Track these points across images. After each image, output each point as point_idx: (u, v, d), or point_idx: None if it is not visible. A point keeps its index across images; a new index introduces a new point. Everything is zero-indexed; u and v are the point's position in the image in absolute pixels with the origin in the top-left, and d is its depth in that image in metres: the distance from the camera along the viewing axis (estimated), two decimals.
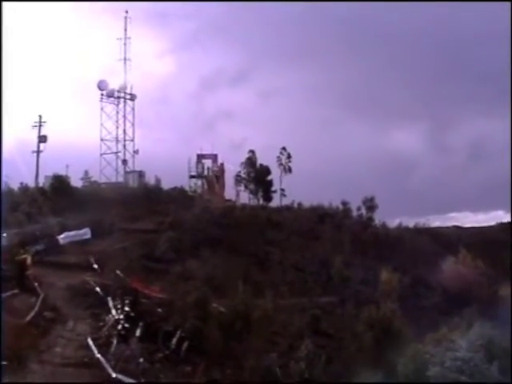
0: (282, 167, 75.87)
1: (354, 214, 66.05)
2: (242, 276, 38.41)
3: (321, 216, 61.16)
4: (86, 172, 73.78)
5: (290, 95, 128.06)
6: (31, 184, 66.89)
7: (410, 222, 65.38)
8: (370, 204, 64.87)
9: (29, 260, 36.21)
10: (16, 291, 31.74)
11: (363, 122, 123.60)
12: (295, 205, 69.42)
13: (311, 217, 60.64)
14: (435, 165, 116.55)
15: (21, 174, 64.30)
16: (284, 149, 76.13)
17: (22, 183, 66.02)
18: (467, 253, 45.76)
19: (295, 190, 71.51)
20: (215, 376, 25.74)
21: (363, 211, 65.50)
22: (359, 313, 32.92)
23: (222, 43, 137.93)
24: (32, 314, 29.38)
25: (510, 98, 66.89)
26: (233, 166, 73.19)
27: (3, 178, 56.54)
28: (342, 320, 35.49)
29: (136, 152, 74.58)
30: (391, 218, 66.41)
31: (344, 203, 66.43)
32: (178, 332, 28.51)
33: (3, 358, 17.77)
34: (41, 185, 67.52)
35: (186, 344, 27.86)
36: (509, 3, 61.78)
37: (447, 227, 70.62)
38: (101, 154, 73.17)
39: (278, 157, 75.82)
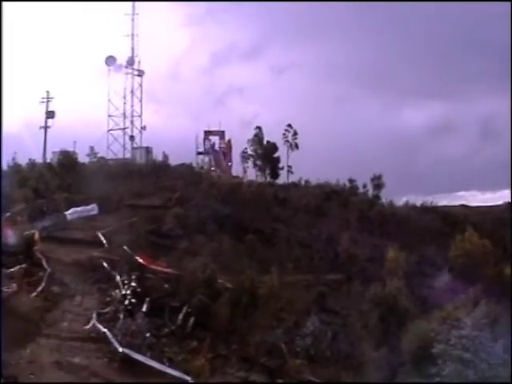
0: (288, 144, 75.76)
1: (361, 191, 65.96)
2: (249, 252, 38.55)
3: (328, 193, 61.07)
4: (93, 148, 73.87)
5: (303, 71, 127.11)
6: (39, 160, 66.96)
7: (417, 201, 65.11)
8: (378, 182, 64.72)
9: (36, 235, 36.37)
10: (24, 266, 31.87)
11: (373, 100, 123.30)
12: (302, 182, 69.34)
13: (318, 194, 60.54)
14: (443, 143, 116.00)
15: (28, 150, 64.41)
16: (290, 126, 75.97)
17: (29, 159, 66.10)
18: (474, 232, 45.64)
19: (302, 167, 71.35)
20: (221, 351, 25.85)
21: (370, 189, 65.45)
22: (365, 290, 32.93)
23: (234, 18, 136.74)
24: (39, 288, 29.56)
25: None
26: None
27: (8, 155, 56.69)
28: (348, 297, 35.58)
29: (143, 128, 74.41)
30: (398, 196, 66.27)
31: (351, 181, 66.30)
32: (185, 307, 28.63)
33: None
34: (48, 161, 67.58)
35: (192, 319, 27.99)
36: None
37: (454, 206, 70.36)
38: (108, 130, 73.06)
39: (284, 134, 75.70)
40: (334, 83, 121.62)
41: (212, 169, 71.46)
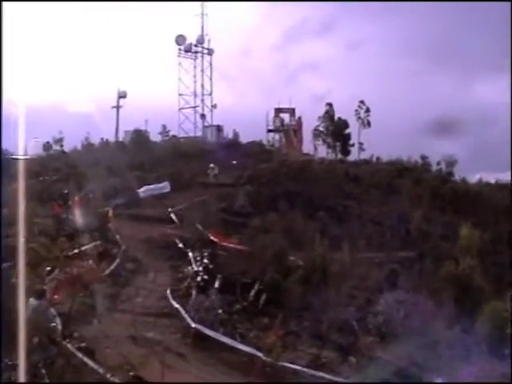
0: (359, 121, 75.08)
1: (433, 168, 64.88)
2: (320, 229, 38.30)
3: (399, 170, 60.26)
4: (165, 127, 74.65)
5: (375, 47, 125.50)
6: (111, 139, 68.09)
7: (491, 178, 63.67)
8: (450, 159, 63.57)
9: (110, 213, 37.04)
10: (98, 243, 32.44)
11: (446, 74, 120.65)
12: (373, 159, 68.69)
13: (390, 171, 59.80)
14: None
15: (101, 130, 65.50)
16: (362, 102, 75.25)
17: (102, 138, 67.33)
18: None
19: (374, 143, 70.60)
20: (293, 328, 25.80)
21: (443, 166, 64.30)
22: (438, 268, 32.41)
23: None
24: (114, 265, 30.06)
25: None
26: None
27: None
28: (420, 275, 35.05)
29: (214, 106, 74.82)
30: (471, 173, 64.85)
31: (423, 157, 65.24)
32: (256, 284, 28.68)
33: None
34: (121, 140, 68.65)
35: (263, 296, 28.03)
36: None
37: None
38: (179, 109, 73.69)
39: (356, 110, 75.02)
40: (407, 58, 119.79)
41: (282, 146, 71.37)
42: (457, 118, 52.70)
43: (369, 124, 74.93)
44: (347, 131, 74.38)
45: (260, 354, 20.76)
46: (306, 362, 22.27)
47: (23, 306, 14.49)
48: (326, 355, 23.28)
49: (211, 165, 50.25)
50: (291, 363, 20.88)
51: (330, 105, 74.87)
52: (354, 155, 73.69)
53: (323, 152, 74.12)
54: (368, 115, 74.92)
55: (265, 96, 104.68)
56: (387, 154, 65.28)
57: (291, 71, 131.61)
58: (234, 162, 57.35)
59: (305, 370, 20.66)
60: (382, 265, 34.53)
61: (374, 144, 70.41)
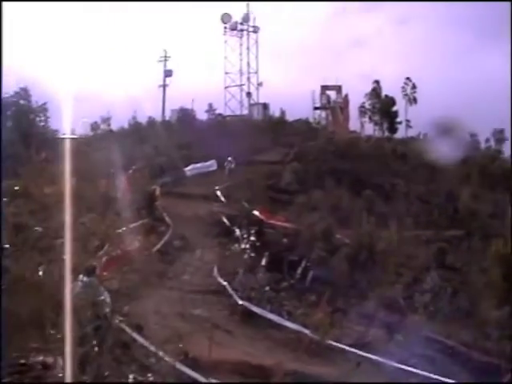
0: (406, 98, 74.34)
1: (482, 146, 64.04)
2: (367, 207, 38.14)
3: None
4: (211, 105, 74.82)
5: (424, 22, 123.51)
6: (158, 118, 68.52)
7: None
8: (500, 136, 62.70)
9: (158, 191, 37.35)
10: (146, 221, 32.78)
11: (496, 51, 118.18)
12: (421, 136, 67.99)
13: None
14: None
15: (148, 109, 65.98)
16: (409, 79, 74.46)
17: (149, 117, 67.77)
18: None
19: (421, 121, 69.74)
20: (339, 306, 25.81)
21: (492, 143, 63.39)
22: (486, 247, 32.01)
23: None
24: (161, 242, 30.36)
25: None
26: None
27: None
28: (468, 254, 34.69)
29: (260, 84, 74.61)
30: None
31: (472, 135, 64.44)
32: (303, 262, 28.73)
33: None
34: (167, 118, 69.06)
35: (310, 274, 28.08)
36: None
37: None
38: (225, 87, 73.69)
39: (403, 87, 74.28)
40: (456, 34, 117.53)
41: (329, 124, 71.03)
42: (507, 95, 51.63)
43: (415, 101, 74.17)
44: (394, 108, 73.73)
45: (307, 331, 20.81)
46: (352, 339, 22.32)
47: (69, 282, 14.77)
48: (372, 333, 23.26)
49: (229, 158, 49.51)
50: (338, 341, 20.90)
51: (376, 82, 74.36)
52: (401, 133, 73.08)
53: (370, 129, 73.71)
54: (414, 92, 74.20)
55: (310, 74, 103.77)
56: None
57: (337, 48, 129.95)
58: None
59: (351, 349, 20.68)
60: (429, 243, 34.25)
61: (421, 121, 69.60)
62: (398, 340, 22.94)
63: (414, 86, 74.19)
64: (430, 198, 45.93)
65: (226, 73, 73.70)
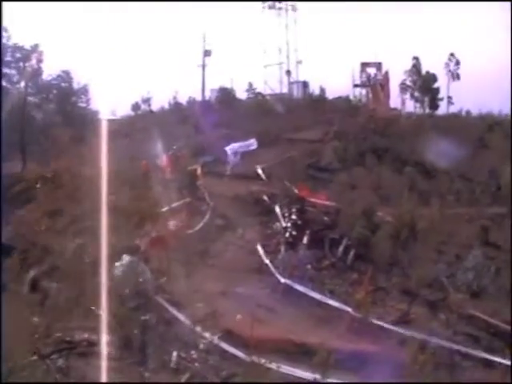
0: (449, 74, 73.36)
1: None
2: (408, 185, 37.83)
3: (490, 125, 58.52)
4: (251, 84, 74.72)
5: None
6: (198, 98, 68.77)
7: None
8: None
9: (199, 170, 37.51)
10: (188, 200, 32.96)
11: None
12: (463, 113, 67.07)
13: (480, 125, 58.18)
14: None
15: (188, 89, 66.29)
16: (452, 55, 73.42)
17: (189, 97, 68.05)
18: None
19: (464, 97, 68.80)
20: (381, 284, 25.73)
21: None
22: None
23: None
24: (203, 221, 30.54)
25: None
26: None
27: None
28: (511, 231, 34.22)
29: (299, 62, 74.33)
30: None
31: None
32: (345, 240, 28.65)
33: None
34: (207, 98, 69.24)
35: (352, 252, 28.01)
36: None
37: None
38: (264, 66, 73.48)
39: (446, 63, 73.30)
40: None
41: (369, 101, 70.43)
42: None
43: (458, 77, 73.19)
44: (436, 85, 72.80)
45: (349, 309, 20.81)
46: (394, 317, 22.28)
47: (105, 260, 14.99)
48: (415, 311, 23.18)
49: (234, 145, 46.12)
50: (380, 319, 20.89)
51: (416, 58, 73.42)
52: (442, 109, 72.21)
53: (411, 106, 72.95)
54: (458, 68, 73.17)
55: (351, 51, 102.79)
56: (477, 108, 63.63)
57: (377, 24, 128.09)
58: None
59: (394, 327, 20.66)
60: (471, 221, 33.84)
61: (463, 98, 68.68)
62: (441, 319, 22.86)
63: (457, 62, 73.16)
64: (472, 175, 45.35)
65: (265, 51, 73.51)
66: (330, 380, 12.99)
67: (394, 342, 19.90)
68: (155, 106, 68.37)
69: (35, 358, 11.14)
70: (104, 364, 12.96)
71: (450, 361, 18.78)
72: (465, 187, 41.99)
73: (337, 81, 69.68)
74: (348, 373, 15.96)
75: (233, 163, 35.99)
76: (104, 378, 12.16)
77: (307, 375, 14.26)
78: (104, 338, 14.44)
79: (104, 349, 13.91)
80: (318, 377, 11.71)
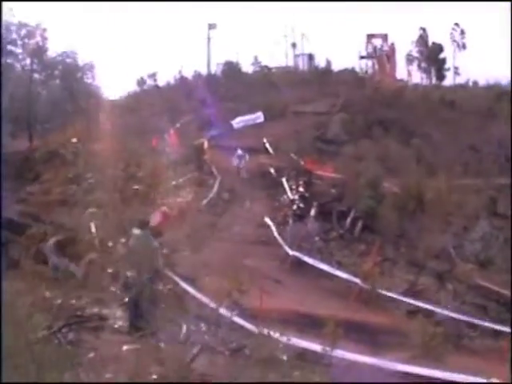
0: (455, 44, 72.99)
1: None
2: (415, 156, 37.83)
3: (498, 95, 58.20)
4: (256, 57, 74.50)
5: None
6: (204, 72, 68.60)
7: None
8: None
9: (205, 144, 37.54)
10: (195, 174, 33.05)
11: None
12: (470, 83, 66.83)
13: (487, 95, 57.84)
14: None
15: (194, 62, 66.18)
16: (457, 24, 73.01)
17: (195, 71, 67.90)
18: None
19: (470, 67, 68.53)
20: (389, 255, 25.81)
21: None
22: None
23: None
24: (211, 195, 30.62)
25: None
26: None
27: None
28: None
29: (304, 35, 74.07)
30: None
31: None
32: (352, 211, 28.72)
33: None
34: (213, 72, 69.05)
35: (360, 223, 28.08)
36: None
37: None
38: (270, 39, 73.29)
39: (451, 33, 72.91)
40: None
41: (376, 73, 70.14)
42: None
43: (464, 47, 72.82)
44: (442, 56, 72.47)
45: (357, 281, 20.92)
46: (403, 288, 22.38)
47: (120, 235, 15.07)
48: (422, 282, 23.29)
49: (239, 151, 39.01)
50: (388, 290, 20.98)
51: (423, 29, 73.03)
52: (449, 80, 71.96)
53: (417, 77, 72.71)
54: (463, 37, 72.77)
55: (356, 22, 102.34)
56: (484, 78, 63.38)
57: None
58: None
59: (402, 297, 20.76)
60: (479, 191, 33.82)
61: (470, 68, 68.43)
62: (449, 289, 22.96)
63: (462, 32, 72.78)
64: (480, 146, 45.21)
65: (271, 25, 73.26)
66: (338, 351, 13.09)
67: (402, 313, 20.06)
68: (161, 81, 68.30)
69: (47, 332, 11.29)
70: (115, 338, 13.13)
71: (457, 331, 18.91)
72: (472, 158, 41.94)
73: (343, 53, 69.27)
74: (357, 344, 16.06)
75: (238, 165, 35.74)
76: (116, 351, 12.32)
77: (316, 346, 14.36)
78: (115, 312, 14.62)
79: (115, 322, 14.08)
80: (327, 348, 11.78)
